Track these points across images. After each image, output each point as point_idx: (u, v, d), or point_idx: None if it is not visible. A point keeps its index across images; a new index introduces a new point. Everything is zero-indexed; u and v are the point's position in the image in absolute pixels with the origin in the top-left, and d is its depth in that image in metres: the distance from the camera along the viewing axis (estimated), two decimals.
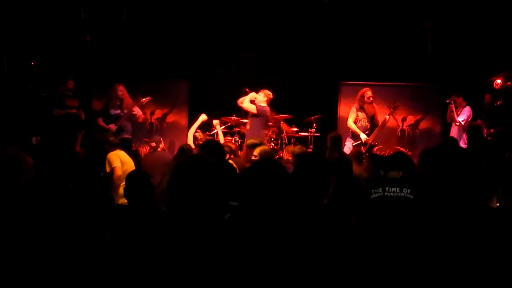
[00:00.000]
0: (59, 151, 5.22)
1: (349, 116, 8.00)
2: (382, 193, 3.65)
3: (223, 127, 8.47)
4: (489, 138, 7.64)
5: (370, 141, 7.75)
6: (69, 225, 1.91)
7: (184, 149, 5.69)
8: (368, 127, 7.86)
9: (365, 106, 7.87)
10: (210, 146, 4.62)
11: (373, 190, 3.70)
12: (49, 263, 1.83)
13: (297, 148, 5.93)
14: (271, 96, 7.54)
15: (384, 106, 8.92)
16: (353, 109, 7.95)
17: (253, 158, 5.06)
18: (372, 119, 7.90)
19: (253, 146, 6.43)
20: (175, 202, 1.83)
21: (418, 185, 3.70)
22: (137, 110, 8.00)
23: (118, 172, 5.13)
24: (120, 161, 5.25)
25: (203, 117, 7.56)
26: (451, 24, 7.94)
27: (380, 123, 7.91)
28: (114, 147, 5.51)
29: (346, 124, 8.03)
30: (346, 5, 8.31)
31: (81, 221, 2.06)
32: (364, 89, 7.96)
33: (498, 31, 7.71)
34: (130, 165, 5.29)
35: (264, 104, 7.45)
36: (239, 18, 8.71)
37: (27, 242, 1.86)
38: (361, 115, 7.88)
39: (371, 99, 7.87)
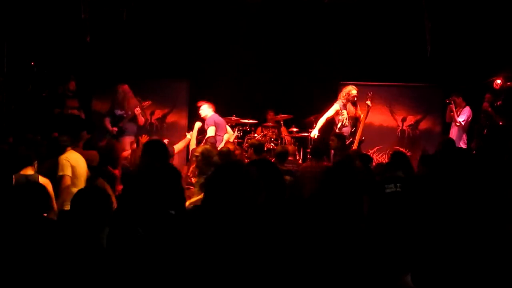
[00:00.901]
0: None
1: (329, 111, 7.70)
2: (395, 189, 4.18)
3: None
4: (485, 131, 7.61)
5: (359, 138, 7.63)
6: (66, 226, 1.91)
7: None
8: (350, 131, 7.62)
9: (348, 105, 7.64)
10: (153, 147, 4.35)
11: (386, 186, 4.21)
12: (46, 263, 1.82)
13: (279, 148, 5.93)
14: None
15: (384, 106, 8.93)
16: (336, 106, 7.66)
17: (194, 158, 4.96)
18: (352, 120, 7.65)
19: (251, 145, 6.50)
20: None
21: (412, 182, 4.22)
22: (138, 112, 7.82)
23: (67, 181, 4.70)
24: (71, 167, 4.78)
25: (197, 125, 7.55)
26: (451, 25, 7.93)
27: (363, 115, 7.69)
28: (65, 147, 4.98)
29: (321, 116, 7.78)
30: (346, 5, 8.31)
31: (78, 221, 2.06)
32: (351, 86, 7.73)
33: (498, 31, 7.71)
34: (81, 168, 4.86)
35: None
36: (239, 18, 8.70)
37: (24, 242, 1.85)
38: (345, 114, 7.63)
39: (356, 98, 7.65)
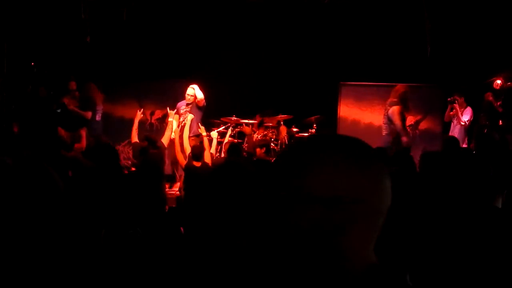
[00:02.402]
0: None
1: (397, 117, 6.83)
2: None
3: (223, 127, 8.48)
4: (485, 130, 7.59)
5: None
6: (63, 224, 1.90)
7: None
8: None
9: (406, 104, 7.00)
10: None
11: None
12: (41, 263, 1.82)
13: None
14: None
15: (384, 106, 8.92)
16: (397, 110, 6.86)
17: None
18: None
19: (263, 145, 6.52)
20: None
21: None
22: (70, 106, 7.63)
23: None
24: None
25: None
26: (451, 25, 7.93)
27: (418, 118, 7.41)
28: None
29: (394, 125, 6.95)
30: (346, 5, 8.31)
31: (75, 219, 2.06)
32: (402, 85, 7.13)
33: (498, 32, 7.71)
34: None
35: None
36: (239, 18, 8.71)
37: (20, 240, 1.85)
38: (405, 115, 7.02)
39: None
